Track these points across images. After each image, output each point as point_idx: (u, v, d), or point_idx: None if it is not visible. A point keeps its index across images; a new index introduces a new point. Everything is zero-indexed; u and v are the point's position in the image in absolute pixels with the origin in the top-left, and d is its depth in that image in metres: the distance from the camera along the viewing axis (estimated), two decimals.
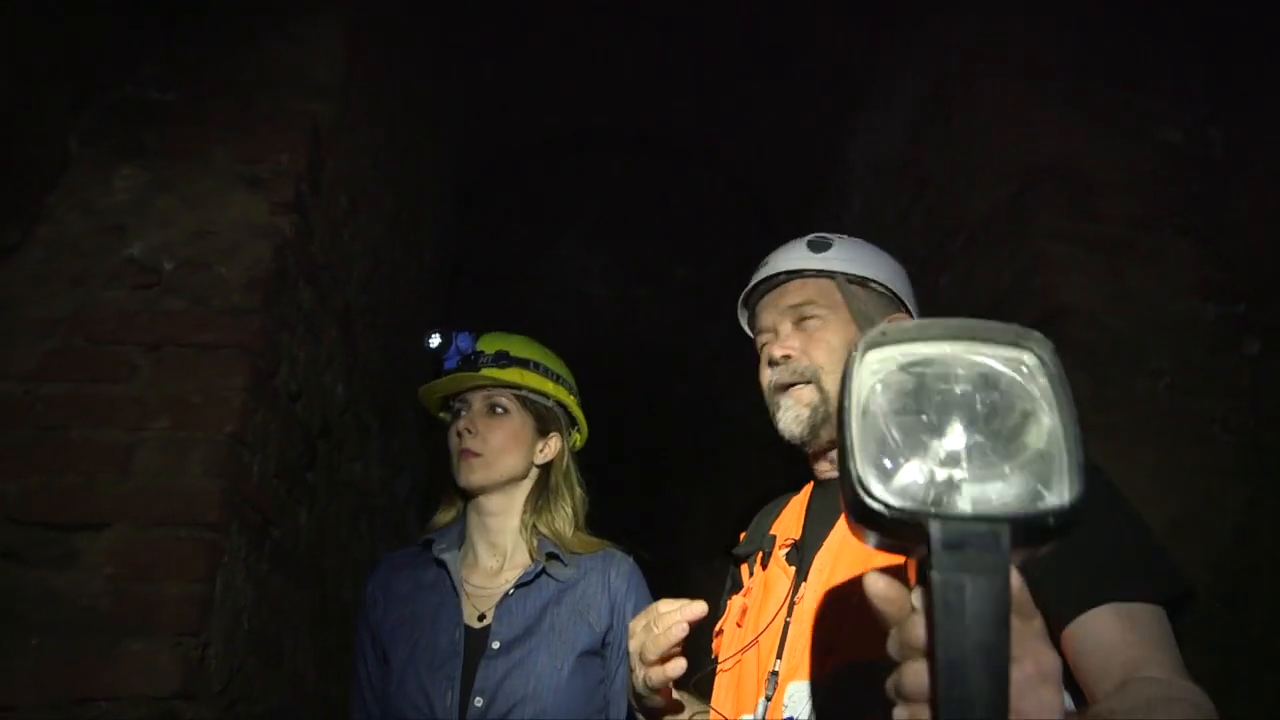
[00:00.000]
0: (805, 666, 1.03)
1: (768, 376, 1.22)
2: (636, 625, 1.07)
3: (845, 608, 1.01)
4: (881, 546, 0.58)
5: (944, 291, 2.55)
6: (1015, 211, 2.20)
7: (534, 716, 1.44)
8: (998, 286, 2.26)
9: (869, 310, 1.22)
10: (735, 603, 1.20)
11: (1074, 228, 2.12)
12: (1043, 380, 0.59)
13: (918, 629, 0.55)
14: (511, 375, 1.62)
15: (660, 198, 4.42)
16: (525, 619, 1.52)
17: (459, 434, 1.58)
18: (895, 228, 2.93)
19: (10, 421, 1.45)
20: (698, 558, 4.69)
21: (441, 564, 1.57)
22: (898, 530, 0.55)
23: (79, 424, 1.46)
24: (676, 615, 1.01)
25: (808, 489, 1.31)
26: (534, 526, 1.61)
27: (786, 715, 1.00)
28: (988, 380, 0.59)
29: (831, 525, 1.13)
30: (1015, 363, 0.59)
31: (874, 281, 1.23)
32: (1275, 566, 1.65)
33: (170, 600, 1.36)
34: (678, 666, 1.02)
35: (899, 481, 0.56)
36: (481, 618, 1.52)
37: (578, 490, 1.70)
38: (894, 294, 1.24)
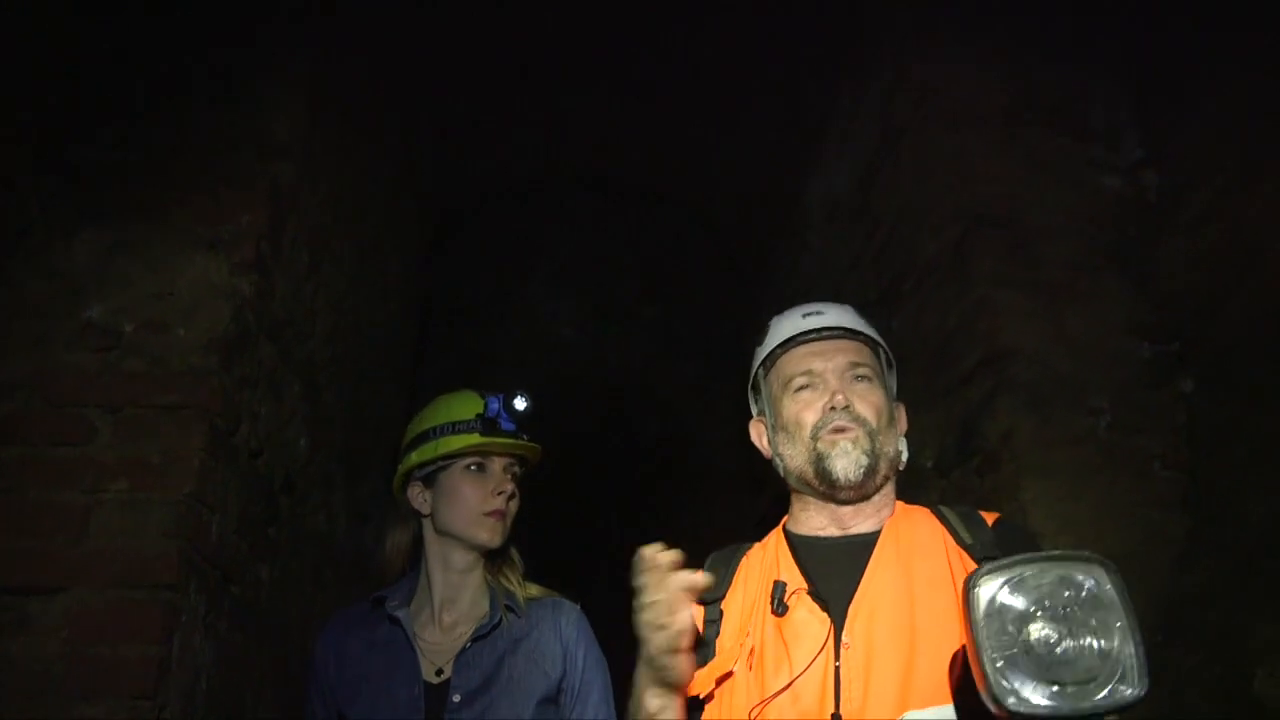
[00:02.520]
0: (875, 708, 1.10)
1: (817, 417, 1.32)
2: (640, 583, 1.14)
3: (907, 658, 1.12)
4: None
5: (895, 333, 2.63)
6: (959, 256, 2.29)
7: None
8: (944, 328, 2.34)
9: (891, 386, 1.42)
10: (729, 646, 1.24)
11: (1014, 272, 2.20)
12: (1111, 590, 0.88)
13: None
14: (536, 447, 1.72)
15: (627, 238, 4.50)
16: (483, 671, 1.55)
17: (494, 493, 1.63)
18: (849, 269, 3.01)
19: None
20: None
21: (395, 620, 1.59)
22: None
23: (36, 486, 1.48)
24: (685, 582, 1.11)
25: (776, 540, 1.37)
26: (497, 579, 1.66)
27: None
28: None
29: (849, 579, 1.23)
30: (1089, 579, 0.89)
31: (891, 365, 1.46)
32: (1213, 597, 1.71)
33: (127, 663, 1.37)
34: (683, 619, 1.11)
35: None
36: (439, 672, 1.55)
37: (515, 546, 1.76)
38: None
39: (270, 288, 1.89)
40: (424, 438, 1.71)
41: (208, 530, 1.59)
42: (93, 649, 1.37)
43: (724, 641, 1.26)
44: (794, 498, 1.40)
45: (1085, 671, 0.87)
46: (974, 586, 0.92)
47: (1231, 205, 2.03)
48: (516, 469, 1.71)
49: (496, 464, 1.67)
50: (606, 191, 4.24)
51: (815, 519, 1.35)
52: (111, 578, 1.42)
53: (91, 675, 1.35)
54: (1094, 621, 0.89)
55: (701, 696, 1.22)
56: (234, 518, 1.72)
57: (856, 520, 1.32)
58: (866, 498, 1.31)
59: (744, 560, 1.37)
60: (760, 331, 1.50)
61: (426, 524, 1.67)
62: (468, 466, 1.66)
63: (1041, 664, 0.88)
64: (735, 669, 1.22)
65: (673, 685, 1.17)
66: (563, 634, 1.60)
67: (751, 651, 1.22)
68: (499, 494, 1.63)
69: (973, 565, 1.21)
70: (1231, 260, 1.98)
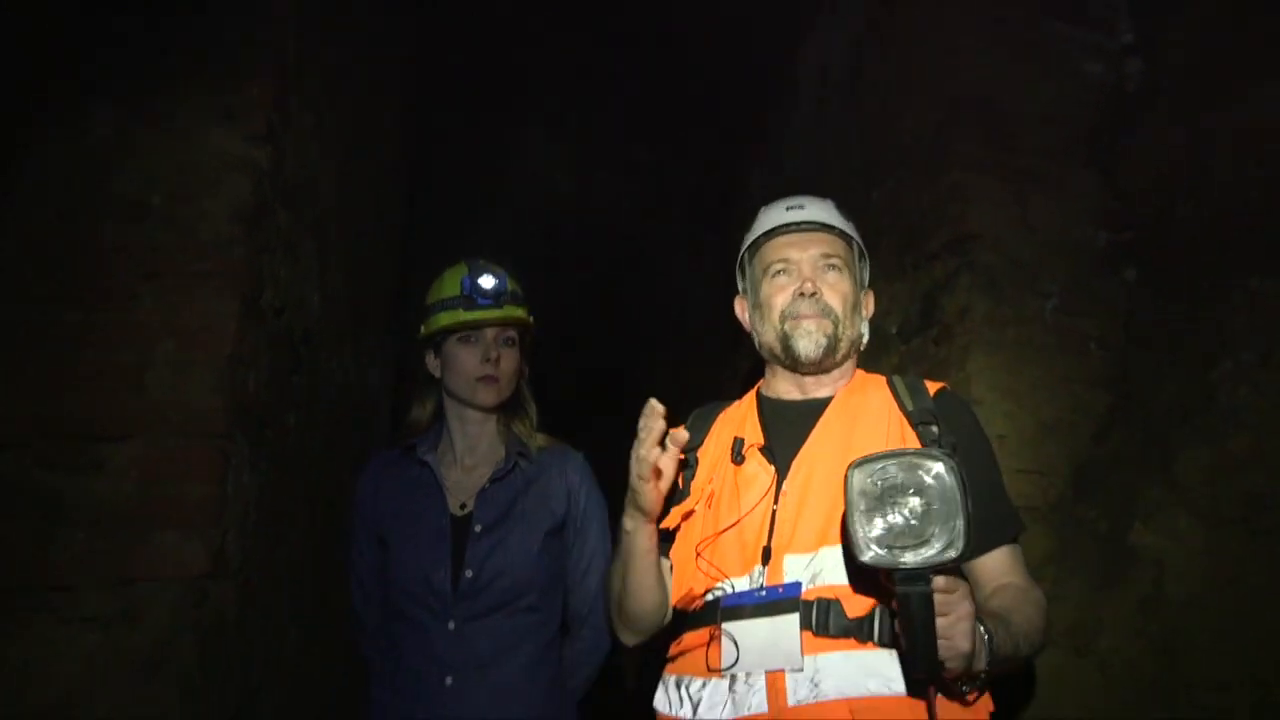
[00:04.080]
0: (798, 544, 1.35)
1: (787, 302, 1.52)
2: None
3: (833, 502, 1.35)
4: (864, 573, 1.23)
5: (874, 205, 2.76)
6: (939, 139, 2.39)
7: (511, 584, 1.77)
8: (919, 207, 2.48)
9: (861, 277, 1.61)
10: (699, 488, 1.49)
11: (989, 158, 2.32)
12: (950, 481, 1.13)
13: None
14: (520, 312, 1.86)
15: (620, 88, 4.45)
16: (501, 506, 1.83)
17: (482, 361, 1.82)
18: (836, 138, 3.09)
19: (31, 346, 1.64)
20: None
21: (425, 464, 1.85)
22: (878, 570, 1.15)
23: (93, 347, 1.65)
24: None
25: (749, 401, 1.61)
26: (510, 430, 1.91)
27: (788, 579, 1.33)
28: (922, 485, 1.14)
29: (799, 438, 1.46)
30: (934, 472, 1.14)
31: (864, 256, 1.63)
32: (1118, 464, 1.99)
33: (190, 499, 1.61)
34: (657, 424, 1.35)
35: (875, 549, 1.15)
36: (463, 506, 1.83)
37: (530, 398, 1.99)
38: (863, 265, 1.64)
39: (282, 156, 1.98)
40: (426, 312, 1.91)
41: (245, 384, 1.79)
42: (160, 487, 1.60)
43: (697, 485, 1.50)
44: (767, 366, 1.63)
45: (924, 537, 1.13)
46: (850, 471, 1.18)
47: (1201, 107, 2.12)
48: (511, 333, 1.91)
49: (487, 333, 1.88)
50: (601, 39, 4.15)
51: (782, 385, 1.59)
52: (170, 428, 1.63)
53: (162, 509, 1.59)
54: (935, 502, 1.14)
55: (671, 529, 1.48)
56: (265, 371, 1.91)
57: (817, 388, 1.55)
58: (826, 371, 1.54)
59: (720, 417, 1.61)
60: (749, 219, 1.67)
61: (442, 385, 1.90)
62: (460, 338, 1.87)
63: (893, 530, 1.15)
64: (696, 508, 1.48)
65: (644, 510, 1.41)
66: (568, 477, 1.88)
67: (711, 495, 1.47)
68: (487, 360, 1.84)
69: (909, 428, 1.45)
70: (1191, 162, 2.11)
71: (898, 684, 1.24)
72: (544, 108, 4.46)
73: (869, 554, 1.14)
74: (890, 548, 1.13)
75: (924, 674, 1.14)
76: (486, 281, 1.86)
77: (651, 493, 1.39)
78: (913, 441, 1.41)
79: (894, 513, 1.14)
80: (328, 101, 2.38)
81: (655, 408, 1.35)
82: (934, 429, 1.42)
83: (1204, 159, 2.06)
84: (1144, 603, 1.66)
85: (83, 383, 1.63)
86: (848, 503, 1.16)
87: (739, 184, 4.14)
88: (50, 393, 1.62)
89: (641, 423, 1.36)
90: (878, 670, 1.25)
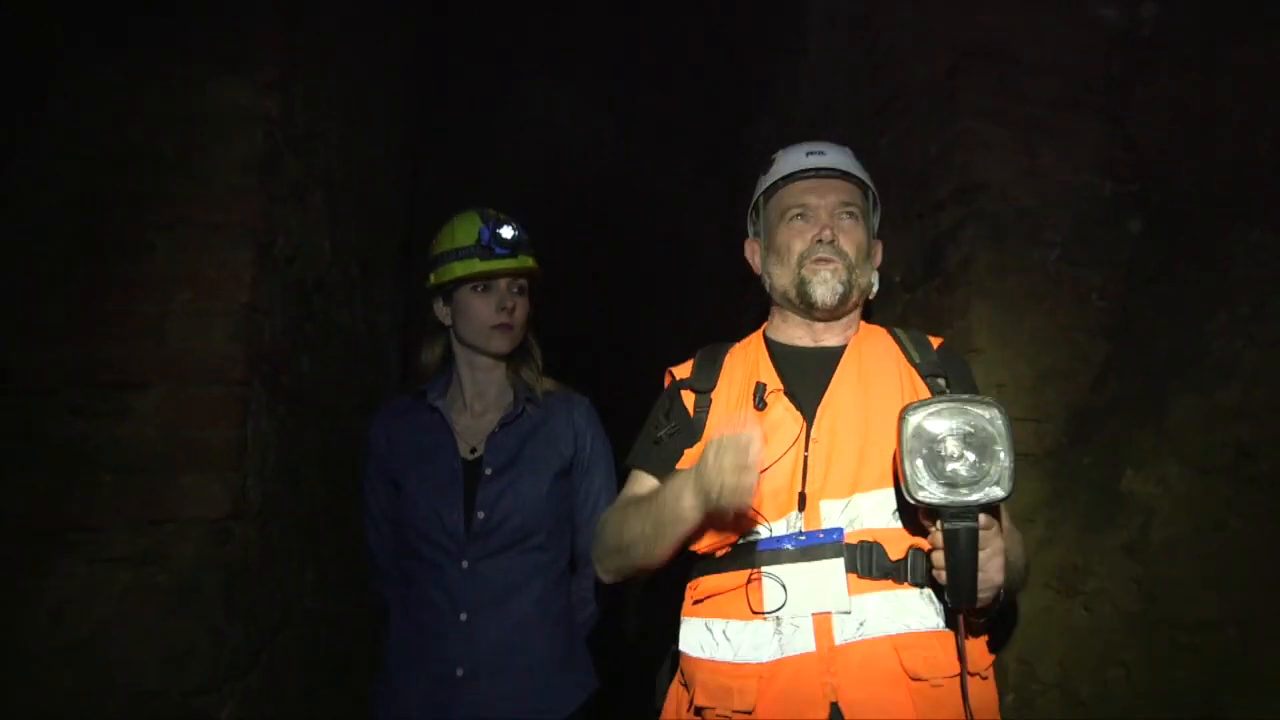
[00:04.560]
0: (831, 490, 1.39)
1: (805, 247, 1.54)
2: (708, 454, 1.29)
3: (859, 450, 1.41)
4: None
5: (883, 152, 2.75)
6: (948, 86, 2.37)
7: (521, 524, 1.85)
8: (927, 155, 2.47)
9: (873, 226, 1.64)
10: (719, 430, 1.46)
11: (998, 106, 2.30)
12: (1001, 424, 1.22)
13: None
14: (532, 262, 1.90)
15: (626, 28, 4.38)
16: (509, 450, 1.89)
17: (497, 310, 1.86)
18: (846, 81, 3.06)
19: (53, 297, 1.68)
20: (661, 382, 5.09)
21: (435, 409, 1.91)
22: (930, 507, 1.24)
23: (113, 297, 1.70)
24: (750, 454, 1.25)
25: (756, 343, 1.63)
26: (517, 377, 1.96)
27: (826, 525, 1.37)
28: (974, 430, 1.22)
29: (819, 385, 1.49)
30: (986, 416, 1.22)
31: (877, 206, 1.66)
32: (1113, 411, 2.03)
33: (213, 443, 1.67)
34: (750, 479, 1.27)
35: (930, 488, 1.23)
36: (473, 450, 1.90)
37: (536, 344, 2.04)
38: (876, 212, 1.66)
39: (291, 105, 1.99)
40: (437, 261, 1.93)
41: (261, 333, 1.84)
42: (184, 432, 1.66)
43: (711, 427, 1.51)
44: (775, 310, 1.65)
45: (972, 477, 1.21)
46: (906, 415, 1.24)
47: (1213, 56, 2.10)
48: (523, 281, 1.94)
49: (501, 283, 1.91)
50: None
51: (793, 330, 1.61)
52: (191, 375, 1.68)
53: (187, 453, 1.65)
54: (983, 444, 1.21)
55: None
56: (279, 318, 1.96)
57: (827, 335, 1.59)
58: (838, 318, 1.57)
59: (728, 358, 1.62)
60: (766, 163, 1.67)
61: (452, 332, 1.94)
62: (473, 288, 1.90)
63: (942, 471, 1.22)
64: None
65: (723, 509, 1.30)
66: (575, 422, 1.93)
67: None
68: (502, 309, 1.88)
69: (919, 380, 1.50)
70: (1201, 113, 2.10)
71: (930, 620, 1.33)
72: (547, 53, 4.40)
73: (924, 493, 1.22)
74: (947, 486, 1.20)
75: (965, 606, 1.23)
76: (506, 232, 1.89)
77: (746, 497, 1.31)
78: (924, 393, 1.45)
79: (948, 454, 1.21)
80: (334, 48, 2.37)
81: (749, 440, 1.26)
82: (941, 381, 1.46)
83: (1214, 108, 2.05)
84: (1131, 546, 1.72)
85: (106, 332, 1.68)
86: (902, 445, 1.23)
87: (745, 130, 4.10)
88: (75, 342, 1.67)
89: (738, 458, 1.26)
90: (914, 608, 1.33)
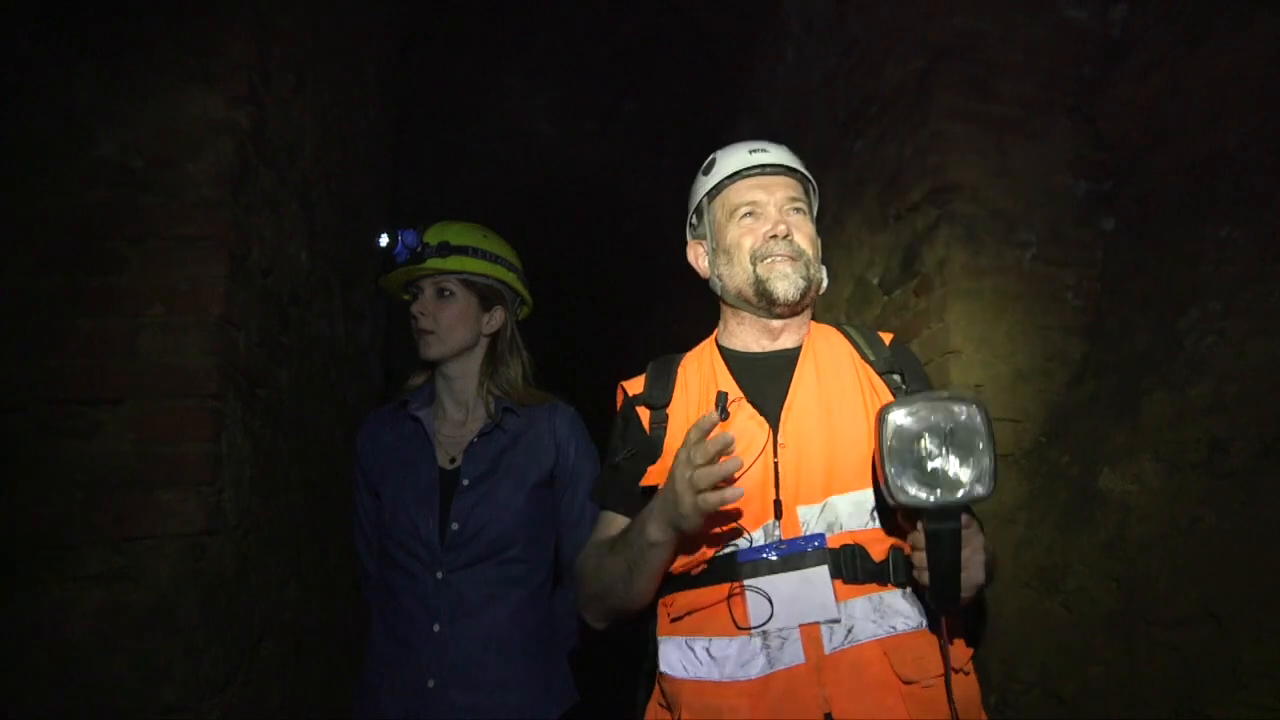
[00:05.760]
0: (804, 496, 1.36)
1: (758, 243, 1.50)
2: (680, 456, 1.23)
3: (828, 453, 1.38)
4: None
5: (857, 155, 2.77)
6: (921, 88, 2.39)
7: (497, 535, 1.83)
8: (901, 157, 2.49)
9: (814, 218, 1.61)
10: (677, 447, 1.37)
11: (970, 107, 2.33)
12: (979, 422, 1.18)
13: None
14: (453, 263, 1.89)
15: (606, 33, 4.39)
16: (487, 461, 1.88)
17: (415, 316, 1.88)
18: (822, 85, 3.08)
19: (21, 314, 1.66)
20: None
21: (416, 419, 1.90)
22: (914, 509, 1.20)
23: (83, 314, 1.68)
24: (720, 449, 1.20)
25: (709, 351, 1.59)
26: (489, 386, 1.95)
27: (806, 531, 1.33)
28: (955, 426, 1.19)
29: (779, 390, 1.45)
30: (964, 413, 1.19)
31: (816, 197, 1.64)
32: (1090, 409, 2.04)
33: (187, 458, 1.66)
34: (735, 493, 1.21)
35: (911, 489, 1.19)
36: (452, 460, 1.89)
37: (523, 353, 2.03)
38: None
39: (264, 116, 1.98)
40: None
41: (236, 346, 1.82)
42: (157, 448, 1.64)
43: (671, 443, 1.46)
44: (729, 313, 1.59)
45: (953, 476, 1.18)
46: (886, 414, 1.21)
47: (1180, 56, 2.13)
48: (450, 285, 1.93)
49: (426, 288, 1.93)
50: None
51: (748, 333, 1.55)
52: (163, 390, 1.66)
53: (160, 469, 1.63)
54: (965, 442, 1.19)
55: (649, 488, 1.41)
56: (255, 331, 1.94)
57: (784, 335, 1.54)
58: (797, 314, 1.54)
59: (680, 369, 1.57)
60: (707, 164, 1.65)
61: None
62: (407, 298, 1.95)
63: (924, 471, 1.19)
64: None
65: (684, 528, 1.27)
66: (556, 432, 1.92)
67: None
68: (423, 314, 1.92)
69: (876, 377, 1.48)
70: (1168, 111, 2.12)
71: (914, 619, 1.31)
72: (527, 57, 4.40)
73: (907, 496, 1.18)
74: (930, 486, 1.18)
75: (948, 605, 1.21)
76: (409, 239, 1.91)
77: (699, 524, 1.28)
78: (882, 390, 1.44)
79: (928, 454, 1.19)
80: (309, 60, 2.36)
81: (709, 422, 1.23)
82: (896, 377, 1.46)
83: (1183, 106, 2.08)
84: (1109, 544, 1.73)
85: (76, 348, 1.66)
86: (882, 446, 1.19)
87: (726, 132, 4.11)
88: (45, 358, 1.65)
89: (696, 451, 1.21)
90: (899, 609, 1.31)
